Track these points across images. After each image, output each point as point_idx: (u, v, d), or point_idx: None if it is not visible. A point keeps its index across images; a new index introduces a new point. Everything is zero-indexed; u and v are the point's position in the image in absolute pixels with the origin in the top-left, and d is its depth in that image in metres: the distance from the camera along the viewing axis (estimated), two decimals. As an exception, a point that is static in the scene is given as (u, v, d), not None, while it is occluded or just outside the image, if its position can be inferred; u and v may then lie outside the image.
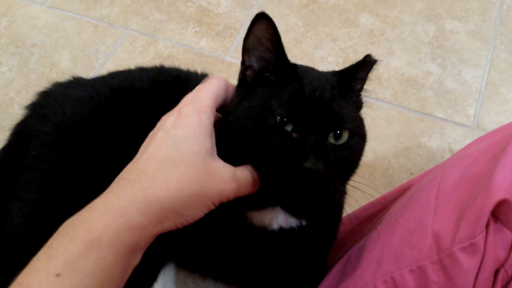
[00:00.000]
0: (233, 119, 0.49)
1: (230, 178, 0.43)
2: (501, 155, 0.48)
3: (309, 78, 0.51)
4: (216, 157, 0.45)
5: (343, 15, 1.22)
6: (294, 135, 0.46)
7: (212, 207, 0.43)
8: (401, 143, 1.03)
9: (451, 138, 1.03)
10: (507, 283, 0.44)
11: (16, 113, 1.01)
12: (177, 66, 0.79)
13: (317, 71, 0.55)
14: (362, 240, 0.64)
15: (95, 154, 0.68)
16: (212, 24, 1.20)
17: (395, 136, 1.03)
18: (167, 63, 0.89)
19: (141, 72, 0.75)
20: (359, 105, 0.56)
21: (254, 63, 0.51)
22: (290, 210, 0.54)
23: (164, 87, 0.71)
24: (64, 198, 0.66)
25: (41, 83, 1.06)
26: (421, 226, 0.52)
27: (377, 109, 1.07)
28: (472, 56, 1.15)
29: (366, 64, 0.53)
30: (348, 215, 0.75)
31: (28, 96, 0.94)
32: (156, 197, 0.39)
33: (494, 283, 0.44)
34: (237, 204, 0.50)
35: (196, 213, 0.42)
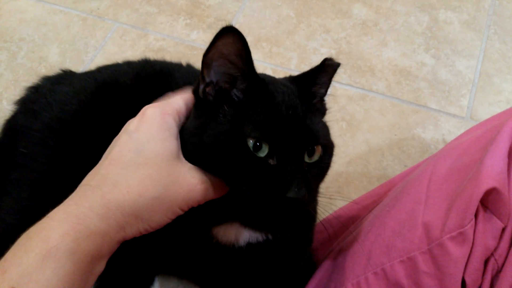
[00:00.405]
0: (199, 143, 0.44)
1: (198, 181, 0.42)
2: (491, 144, 0.48)
3: (279, 94, 0.47)
4: (183, 159, 0.43)
5: (336, 6, 1.21)
6: (271, 161, 0.43)
7: (180, 212, 0.42)
8: (395, 135, 1.02)
9: (445, 130, 1.02)
10: (497, 272, 0.44)
11: (5, 108, 1.00)
12: (164, 59, 0.78)
13: (279, 81, 0.51)
14: (354, 232, 0.64)
15: (84, 151, 0.67)
16: (203, 16, 1.18)
17: (389, 128, 1.03)
18: (158, 57, 0.88)
19: (127, 66, 0.74)
20: (323, 111, 0.53)
21: (217, 78, 0.46)
22: (252, 225, 0.52)
23: (146, 83, 0.70)
24: (56, 195, 0.65)
25: (30, 78, 1.05)
26: (412, 217, 0.51)
27: (371, 100, 1.06)
28: (466, 47, 1.14)
29: (327, 68, 0.50)
30: (336, 212, 0.74)
31: (16, 91, 0.93)
32: (116, 202, 0.38)
33: (484, 272, 0.44)
34: (201, 219, 0.49)
35: (160, 218, 0.40)
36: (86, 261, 0.36)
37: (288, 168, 0.43)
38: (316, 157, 0.46)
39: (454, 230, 0.44)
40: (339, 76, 1.09)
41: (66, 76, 0.77)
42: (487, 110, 1.05)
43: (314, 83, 0.51)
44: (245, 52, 0.43)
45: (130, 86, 0.69)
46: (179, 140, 0.44)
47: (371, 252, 0.53)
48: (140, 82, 0.70)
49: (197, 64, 0.76)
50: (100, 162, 0.42)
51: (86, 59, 1.10)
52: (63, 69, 0.79)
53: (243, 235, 0.52)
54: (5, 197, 0.66)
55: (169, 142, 0.42)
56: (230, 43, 0.43)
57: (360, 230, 0.61)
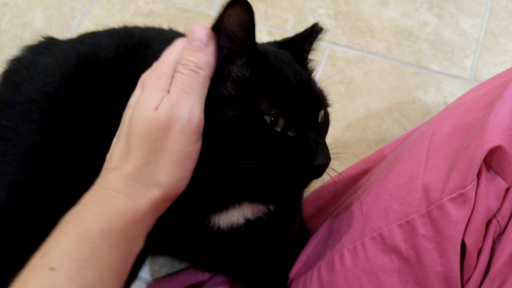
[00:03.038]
0: (211, 133, 0.41)
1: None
2: (497, 100, 0.45)
3: (284, 65, 0.45)
4: None
5: (334, -36, 1.14)
6: (290, 133, 0.43)
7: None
8: (395, 98, 0.98)
9: (447, 92, 0.99)
10: (499, 234, 0.42)
11: (-10, 76, 0.97)
12: (147, 25, 0.74)
13: (272, 50, 0.48)
14: (351, 198, 0.62)
15: (70, 126, 0.65)
16: (194, -23, 1.13)
17: (389, 91, 0.99)
18: (148, 21, 0.84)
19: (107, 37, 0.70)
20: (313, 73, 0.54)
21: (223, 49, 0.43)
22: (257, 199, 0.50)
23: (125, 57, 0.66)
24: (46, 170, 0.63)
25: (15, 44, 1.01)
26: (411, 179, 0.49)
27: (370, 63, 1.02)
28: (471, 4, 1.08)
29: (316, 33, 0.50)
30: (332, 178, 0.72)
31: (1, 58, 0.89)
32: (135, 178, 0.39)
33: (485, 234, 0.41)
34: (199, 209, 0.49)
35: (184, 185, 0.41)
36: (121, 240, 0.37)
37: (310, 136, 0.43)
38: (321, 118, 0.47)
39: (454, 191, 0.41)
40: (338, 38, 1.05)
41: (48, 46, 0.73)
42: (491, 71, 1.01)
43: (304, 48, 0.51)
44: (251, 24, 0.41)
45: (110, 60, 0.66)
46: None
47: (368, 216, 0.51)
48: (120, 56, 0.66)
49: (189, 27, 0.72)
50: (114, 142, 0.42)
51: (73, 24, 1.05)
52: (45, 36, 0.75)
53: (244, 213, 0.51)
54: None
55: (159, 98, 0.41)
56: (236, 14, 0.40)
57: (357, 195, 0.59)
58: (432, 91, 0.99)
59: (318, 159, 0.42)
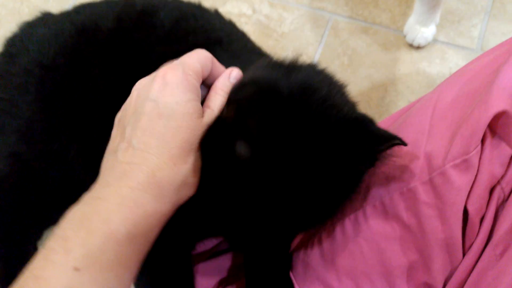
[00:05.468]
0: None
1: None
2: (504, 65, 0.43)
3: None
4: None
5: None
6: None
7: None
8: (399, 69, 0.97)
9: (452, 63, 0.97)
10: (503, 201, 0.41)
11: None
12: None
13: None
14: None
15: (69, 98, 0.64)
16: None
17: (392, 63, 0.97)
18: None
19: (106, 7, 0.68)
20: None
21: None
22: None
23: (129, 26, 0.64)
24: (42, 140, 0.63)
25: (13, 19, 1.00)
26: (414, 148, 0.48)
27: (374, 34, 0.99)
28: (479, -28, 1.05)
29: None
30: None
31: (0, 33, 0.88)
32: (167, 178, 0.37)
33: (489, 201, 0.41)
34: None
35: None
36: (143, 243, 0.37)
37: None
38: None
39: (457, 158, 0.41)
40: (341, 9, 1.02)
41: (44, 19, 0.72)
42: (499, 41, 0.97)
43: None
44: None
45: (112, 30, 0.64)
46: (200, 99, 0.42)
47: (369, 185, 0.50)
48: (122, 25, 0.64)
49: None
50: (130, 134, 0.39)
51: (70, -2, 1.03)
52: (42, 11, 0.74)
53: None
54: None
55: (196, 102, 0.40)
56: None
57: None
58: (437, 62, 0.97)
59: None
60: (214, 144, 0.40)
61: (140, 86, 0.42)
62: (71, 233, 0.34)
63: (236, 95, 0.42)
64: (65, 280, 0.32)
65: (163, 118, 0.38)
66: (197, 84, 0.41)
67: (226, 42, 0.64)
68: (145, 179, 0.36)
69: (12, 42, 0.68)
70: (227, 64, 0.47)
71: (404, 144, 0.40)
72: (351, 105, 0.45)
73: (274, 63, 0.46)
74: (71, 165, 0.64)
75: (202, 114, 0.41)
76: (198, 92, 0.41)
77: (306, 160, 0.39)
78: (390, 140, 0.40)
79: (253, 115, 0.39)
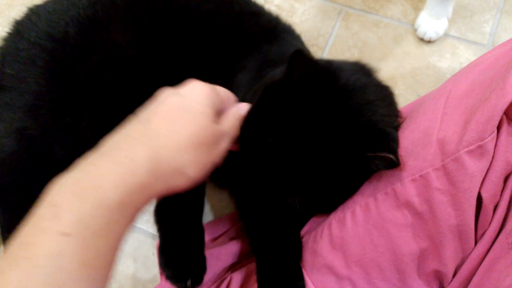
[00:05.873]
0: None
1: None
2: (521, 52, 0.43)
3: None
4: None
5: None
6: None
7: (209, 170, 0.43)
8: (409, 63, 0.96)
9: (463, 58, 0.96)
10: (518, 189, 0.41)
11: (-1, 35, 0.96)
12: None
13: None
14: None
15: (78, 70, 0.64)
16: None
17: (403, 56, 0.97)
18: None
19: None
20: None
21: None
22: None
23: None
24: (50, 112, 0.63)
25: (24, 1, 0.99)
26: (426, 135, 0.47)
27: (385, 27, 0.99)
28: (492, -33, 1.04)
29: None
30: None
31: (10, 16, 0.88)
32: (167, 157, 0.38)
33: (503, 189, 0.41)
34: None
35: (199, 174, 0.42)
36: (132, 213, 0.37)
37: None
38: None
39: (472, 144, 0.40)
40: (352, 1, 1.01)
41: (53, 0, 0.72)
42: (510, 37, 0.97)
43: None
44: None
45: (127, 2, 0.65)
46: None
47: (381, 172, 0.50)
48: None
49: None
50: (145, 117, 0.41)
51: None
52: None
53: None
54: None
55: (213, 111, 0.43)
56: None
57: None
58: (448, 56, 0.96)
59: None
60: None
61: (167, 90, 0.44)
62: (61, 199, 0.34)
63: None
64: (55, 245, 0.31)
65: (182, 110, 0.41)
66: (217, 104, 0.44)
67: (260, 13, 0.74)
68: (145, 153, 0.37)
69: (21, 21, 0.69)
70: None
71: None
72: (388, 119, 0.50)
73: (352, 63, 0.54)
74: (82, 139, 0.65)
75: (216, 122, 0.43)
76: (216, 109, 0.44)
77: (327, 147, 0.45)
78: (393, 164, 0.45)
79: (305, 81, 0.46)
